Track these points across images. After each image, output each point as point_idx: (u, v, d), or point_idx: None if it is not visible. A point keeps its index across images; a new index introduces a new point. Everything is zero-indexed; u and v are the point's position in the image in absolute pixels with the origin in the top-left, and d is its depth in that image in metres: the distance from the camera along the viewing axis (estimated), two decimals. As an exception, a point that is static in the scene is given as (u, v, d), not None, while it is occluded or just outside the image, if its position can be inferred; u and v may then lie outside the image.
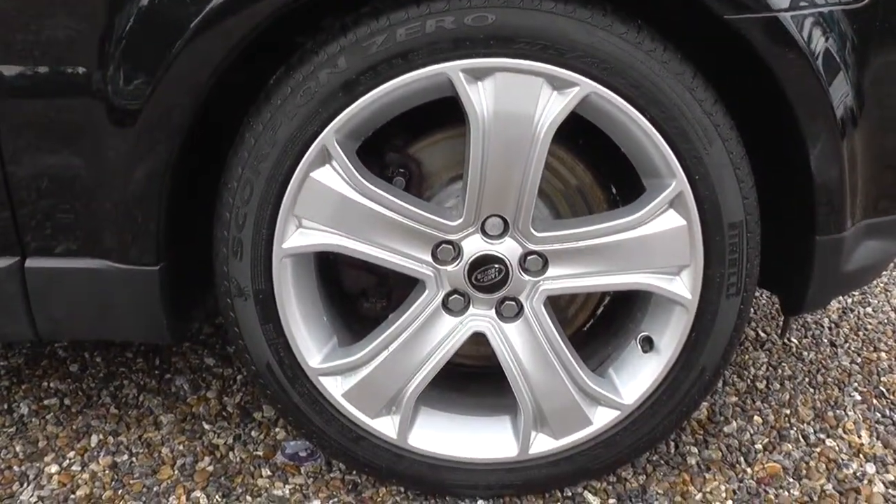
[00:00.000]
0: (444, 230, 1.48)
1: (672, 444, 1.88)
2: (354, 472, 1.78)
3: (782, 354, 2.24)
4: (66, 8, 1.35)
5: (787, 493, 1.75)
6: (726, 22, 1.36)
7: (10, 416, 1.98)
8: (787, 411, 2.00)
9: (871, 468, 1.82)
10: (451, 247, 1.50)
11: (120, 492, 1.75)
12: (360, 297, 1.68)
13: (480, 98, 1.39)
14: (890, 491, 1.76)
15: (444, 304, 1.54)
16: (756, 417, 1.98)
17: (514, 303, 1.54)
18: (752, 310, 2.35)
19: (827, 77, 1.42)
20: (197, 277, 1.64)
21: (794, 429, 1.94)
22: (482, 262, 1.50)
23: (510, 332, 1.56)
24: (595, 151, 1.61)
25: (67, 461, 1.84)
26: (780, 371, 2.16)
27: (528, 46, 1.36)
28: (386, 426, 1.61)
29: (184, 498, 1.73)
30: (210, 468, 1.82)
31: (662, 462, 1.83)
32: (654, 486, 1.76)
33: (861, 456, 1.86)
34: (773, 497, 1.74)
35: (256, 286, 1.49)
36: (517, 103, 1.40)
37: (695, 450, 1.87)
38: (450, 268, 1.51)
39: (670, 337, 1.56)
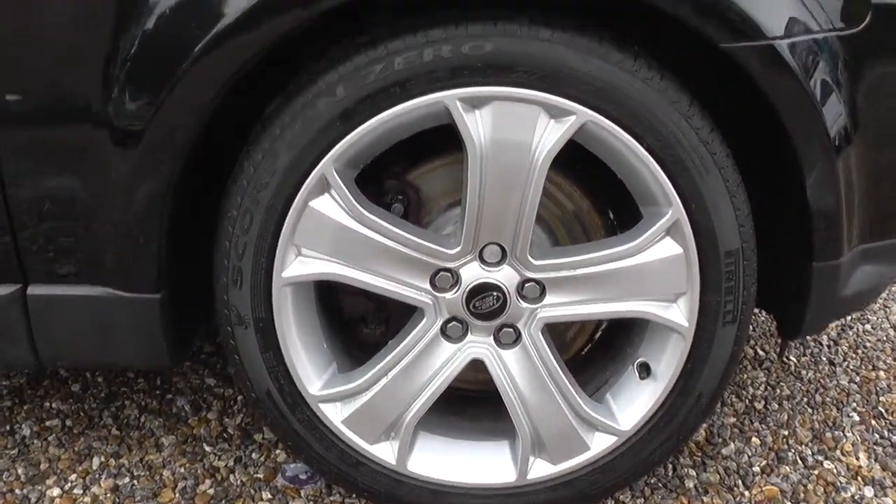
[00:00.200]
0: (443, 258, 1.49)
1: (670, 466, 1.89)
2: (354, 496, 1.79)
3: (781, 373, 2.25)
4: (71, 28, 1.36)
5: (785, 516, 1.77)
6: (722, 50, 1.38)
7: (13, 438, 1.99)
8: (786, 432, 2.01)
9: (869, 492, 1.83)
10: (449, 274, 1.51)
11: (121, 515, 1.76)
12: (360, 322, 1.69)
13: (478, 127, 1.40)
14: (888, 514, 1.77)
15: (443, 331, 1.55)
16: (754, 439, 1.99)
17: (512, 330, 1.55)
18: (750, 328, 2.35)
19: (823, 104, 1.42)
20: (199, 300, 1.65)
21: (793, 451, 1.95)
22: (480, 290, 1.51)
23: (508, 358, 1.57)
24: (592, 177, 1.62)
25: (69, 484, 1.85)
26: (778, 391, 2.17)
27: (526, 75, 1.37)
28: (385, 452, 1.62)
29: (184, 522, 1.74)
30: (211, 491, 1.82)
31: (660, 485, 1.84)
32: (652, 510, 1.78)
33: (859, 479, 1.86)
34: (771, 520, 1.75)
35: (256, 314, 1.50)
36: (515, 132, 1.40)
37: (693, 472, 1.88)
38: (448, 295, 1.52)
39: (667, 363, 1.57)
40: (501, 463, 1.65)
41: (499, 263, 1.51)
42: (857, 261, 1.60)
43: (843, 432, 2.01)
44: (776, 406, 2.11)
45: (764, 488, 1.83)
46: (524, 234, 1.47)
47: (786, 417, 2.06)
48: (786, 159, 1.46)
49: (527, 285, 1.52)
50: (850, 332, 2.45)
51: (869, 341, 2.41)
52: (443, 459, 1.66)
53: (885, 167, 1.55)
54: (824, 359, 2.32)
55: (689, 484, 1.84)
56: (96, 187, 1.45)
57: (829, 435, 2.00)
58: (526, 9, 1.39)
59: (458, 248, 1.48)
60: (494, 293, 1.51)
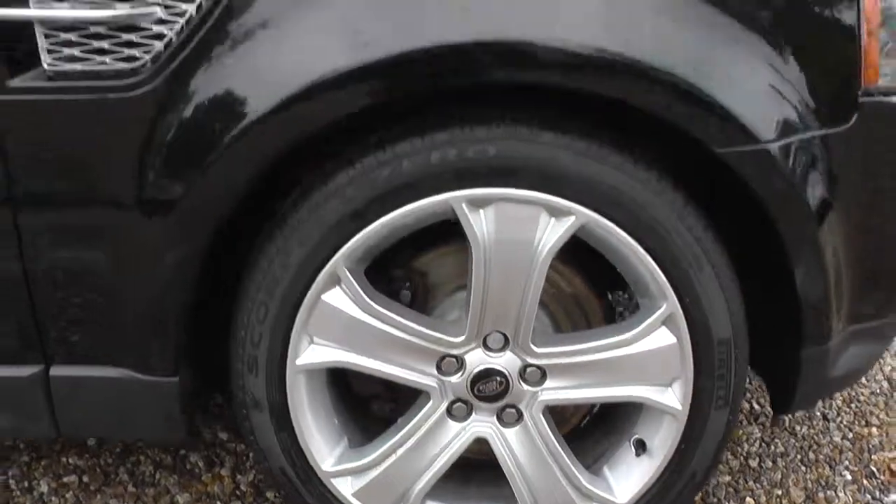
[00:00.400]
0: (448, 346, 1.56)
1: (667, 528, 1.96)
2: (362, 559, 1.86)
3: (775, 429, 2.31)
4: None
5: (777, 581, 1.83)
6: (718, 155, 1.44)
7: (31, 495, 2.07)
8: (779, 492, 2.08)
9: (858, 556, 1.90)
10: (454, 360, 1.58)
11: (139, 579, 1.83)
12: (370, 399, 1.76)
13: (482, 225, 1.47)
14: (877, 579, 1.84)
15: (449, 412, 1.62)
16: (748, 499, 2.05)
17: (514, 410, 1.62)
18: (747, 382, 2.41)
19: (812, 201, 1.48)
20: (216, 380, 1.72)
21: (786, 512, 2.02)
22: (484, 375, 1.58)
23: (510, 436, 1.64)
24: (591, 263, 1.69)
25: (88, 545, 1.92)
26: (772, 448, 2.23)
27: (528, 176, 1.44)
28: (394, 523, 1.69)
29: (200, 585, 1.81)
30: (224, 552, 1.90)
31: (657, 549, 1.90)
32: (649, 574, 1.84)
33: (850, 542, 1.93)
34: (763, 586, 1.81)
35: (271, 399, 1.58)
36: (517, 230, 1.47)
37: (689, 535, 1.94)
38: (453, 379, 1.59)
39: (662, 441, 1.64)
40: (505, 529, 1.72)
41: (502, 350, 1.58)
42: (846, 342, 1.67)
43: (835, 492, 2.08)
44: (770, 464, 2.18)
45: (757, 552, 1.90)
46: (526, 323, 1.54)
47: (780, 476, 2.13)
48: (775, 254, 1.53)
49: (528, 370, 1.59)
50: (844, 383, 2.51)
51: (863, 394, 2.47)
52: (448, 528, 1.73)
53: (871, 255, 1.62)
54: (818, 413, 2.38)
55: (685, 547, 1.91)
56: (121, 272, 1.52)
57: (821, 495, 2.07)
58: (531, 111, 1.46)
59: (463, 337, 1.55)
60: (497, 378, 1.58)
